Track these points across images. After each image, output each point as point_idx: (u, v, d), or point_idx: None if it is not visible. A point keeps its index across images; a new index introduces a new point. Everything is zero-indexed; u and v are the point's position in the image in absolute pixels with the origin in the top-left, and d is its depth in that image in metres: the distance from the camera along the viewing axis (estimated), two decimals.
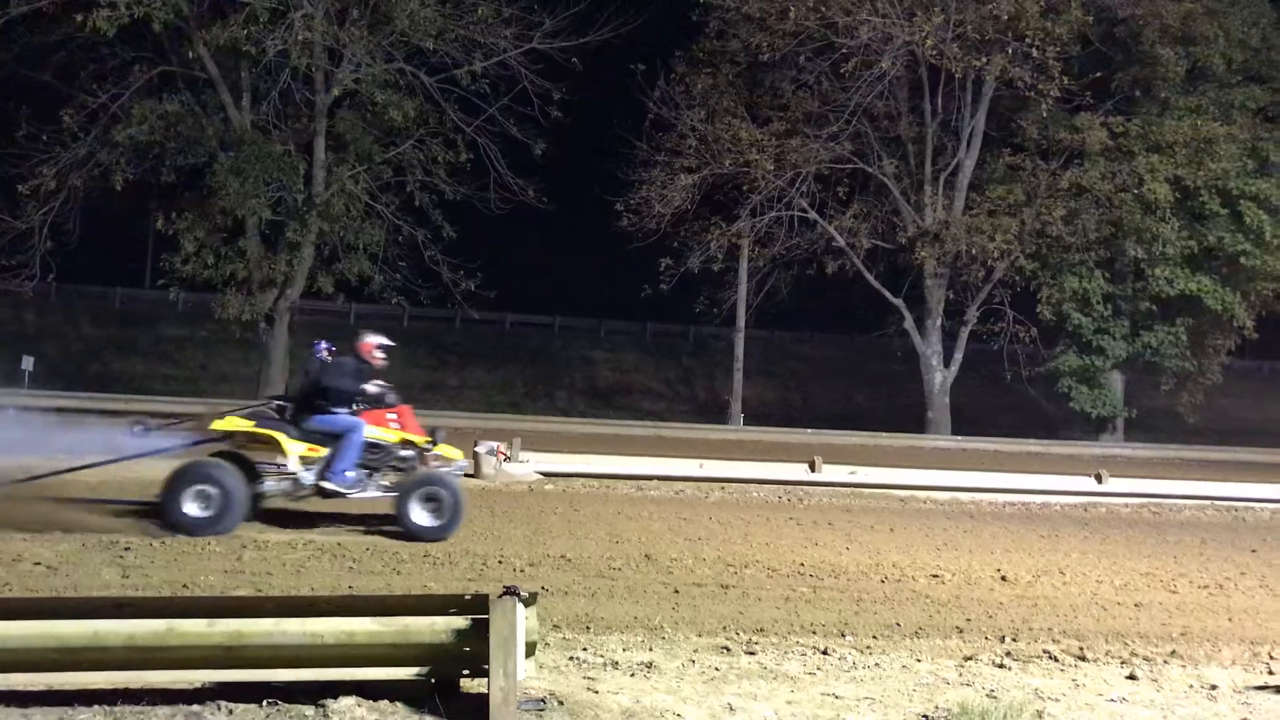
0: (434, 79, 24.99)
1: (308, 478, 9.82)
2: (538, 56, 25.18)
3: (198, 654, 5.00)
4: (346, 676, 5.17)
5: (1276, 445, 27.10)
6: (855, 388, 35.47)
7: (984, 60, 26.19)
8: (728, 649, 6.75)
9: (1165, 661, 6.96)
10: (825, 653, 6.74)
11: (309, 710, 5.04)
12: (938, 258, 27.73)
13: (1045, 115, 27.23)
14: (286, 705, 5.07)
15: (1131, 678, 6.49)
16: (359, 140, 25.38)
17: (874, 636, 7.34)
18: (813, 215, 28.00)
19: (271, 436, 9.85)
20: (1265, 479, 17.55)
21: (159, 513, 9.53)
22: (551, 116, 25.09)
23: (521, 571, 8.79)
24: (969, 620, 7.98)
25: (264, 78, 24.95)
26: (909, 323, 28.47)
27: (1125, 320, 29.42)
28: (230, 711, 5.01)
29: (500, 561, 9.08)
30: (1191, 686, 6.31)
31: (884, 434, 25.44)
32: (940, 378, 28.56)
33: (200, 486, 9.45)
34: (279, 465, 9.86)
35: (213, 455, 9.95)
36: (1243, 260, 27.91)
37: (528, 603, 5.20)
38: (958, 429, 27.97)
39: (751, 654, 6.64)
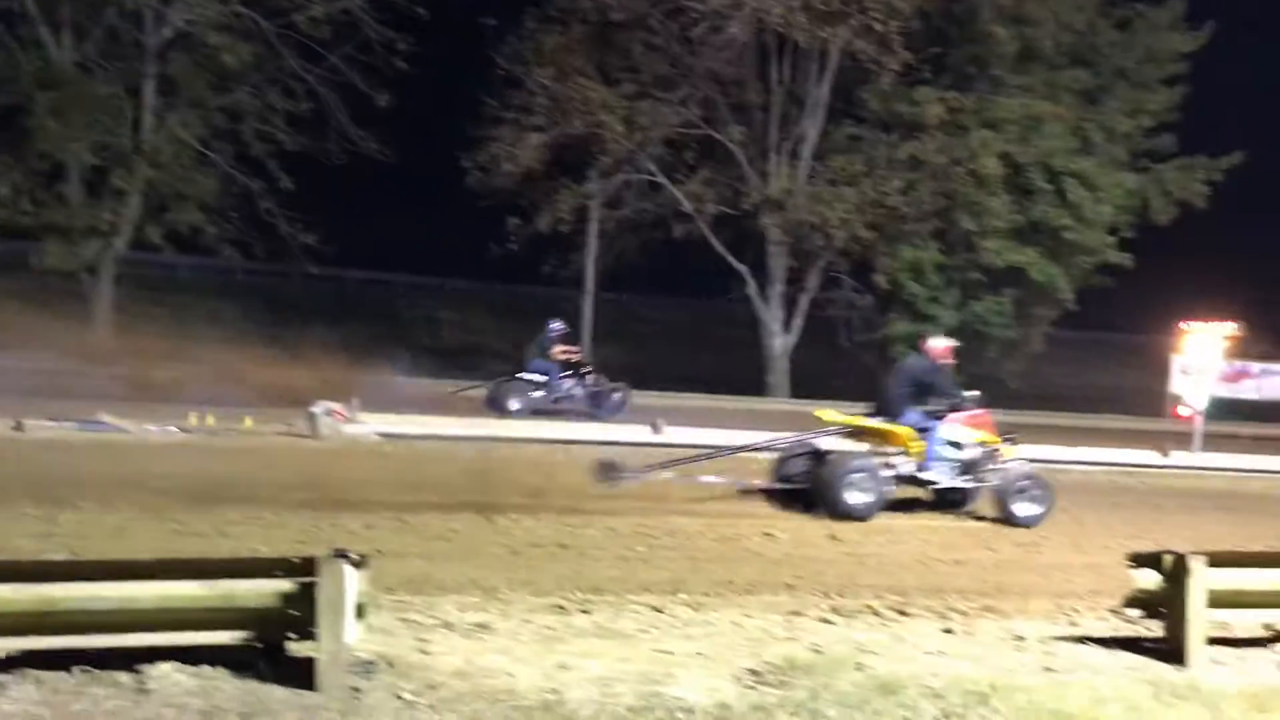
0: (272, 23, 24.02)
1: (908, 468, 11.00)
2: (383, 4, 24.41)
3: (4, 621, 4.76)
4: (167, 642, 5.01)
5: (1093, 410, 28.75)
6: (700, 351, 35.88)
7: (830, 31, 26.63)
8: (563, 609, 6.80)
9: (979, 615, 7.32)
10: (659, 611, 6.86)
11: (124, 677, 4.86)
12: (781, 225, 28.22)
13: (886, 88, 27.93)
14: (100, 673, 4.88)
15: (948, 631, 6.81)
16: (192, 85, 24.25)
17: (706, 594, 7.50)
18: (661, 179, 28.12)
19: (894, 431, 11.00)
20: (1079, 442, 18.52)
21: (808, 500, 10.75)
22: (396, 67, 24.43)
23: (357, 534, 8.64)
24: (799, 577, 8.23)
25: (88, 14, 23.54)
26: (752, 289, 28.96)
27: (956, 290, 30.54)
28: (39, 681, 4.79)
29: (334, 524, 8.89)
30: (1001, 638, 6.65)
31: (725, 396, 25.86)
32: (780, 342, 29.20)
33: (860, 476, 10.63)
34: (892, 456, 10.98)
35: (800, 446, 11.41)
36: (1065, 235, 29.28)
37: (358, 565, 5.12)
38: (796, 392, 28.64)
39: (586, 613, 6.70)
